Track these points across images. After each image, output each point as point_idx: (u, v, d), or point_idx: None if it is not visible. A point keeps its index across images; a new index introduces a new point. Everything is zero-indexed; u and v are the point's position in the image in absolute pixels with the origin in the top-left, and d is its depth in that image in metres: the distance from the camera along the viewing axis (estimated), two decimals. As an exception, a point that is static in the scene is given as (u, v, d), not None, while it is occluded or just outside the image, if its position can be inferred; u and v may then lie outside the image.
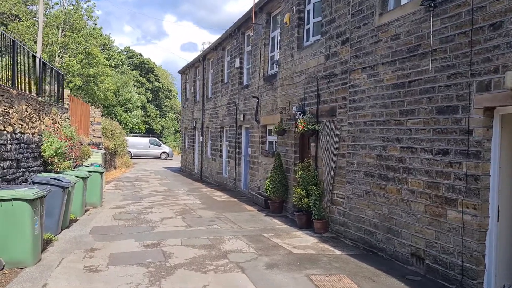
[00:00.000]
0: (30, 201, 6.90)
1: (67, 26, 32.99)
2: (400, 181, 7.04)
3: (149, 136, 43.40)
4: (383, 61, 7.57)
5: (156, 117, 60.71)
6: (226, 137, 18.31)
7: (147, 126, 56.32)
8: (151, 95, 60.93)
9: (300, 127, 9.69)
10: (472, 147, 5.62)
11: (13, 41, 9.79)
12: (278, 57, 12.53)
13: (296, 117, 10.63)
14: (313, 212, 9.34)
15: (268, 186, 11.40)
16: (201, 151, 22.01)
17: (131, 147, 35.59)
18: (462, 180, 5.76)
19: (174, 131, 64.05)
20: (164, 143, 44.17)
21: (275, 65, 12.90)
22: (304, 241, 8.60)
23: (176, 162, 33.77)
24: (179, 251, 7.78)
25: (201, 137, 21.96)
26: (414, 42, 6.79)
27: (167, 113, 64.50)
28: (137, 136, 43.41)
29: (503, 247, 5.54)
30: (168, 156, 39.41)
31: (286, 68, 11.81)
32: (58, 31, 32.53)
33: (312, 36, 10.65)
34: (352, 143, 8.49)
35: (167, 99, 66.14)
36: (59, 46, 31.98)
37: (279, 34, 12.68)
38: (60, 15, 32.49)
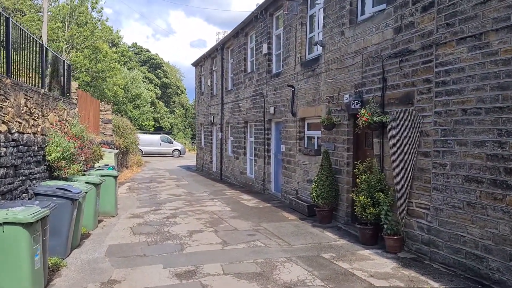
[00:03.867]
0: (27, 226, 5.11)
1: (73, 20, 31.20)
2: (534, 190, 5.07)
3: (160, 133, 41.62)
4: (498, 26, 5.58)
5: (165, 113, 59.07)
6: (251, 133, 16.38)
7: (156, 124, 54.64)
8: (160, 91, 59.28)
9: (364, 119, 7.73)
10: None
11: (7, 18, 7.91)
12: (321, 38, 10.55)
13: (352, 107, 8.67)
14: (385, 226, 7.39)
15: (315, 190, 9.46)
16: (220, 148, 20.12)
17: (142, 145, 33.91)
18: None
19: (183, 128, 62.45)
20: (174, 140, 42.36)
21: (317, 47, 10.93)
22: (380, 266, 6.66)
23: (189, 160, 32.00)
24: (224, 285, 5.89)
25: (220, 134, 20.05)
26: (557, -6, 4.80)
27: (175, 110, 62.88)
28: (147, 133, 41.68)
29: None
30: (181, 154, 37.63)
31: (333, 50, 9.82)
32: (64, 25, 30.77)
33: (373, 7, 8.66)
34: (443, 138, 6.52)
35: (176, 95, 64.54)
36: (66, 41, 30.20)
37: (321, 10, 10.69)
38: (65, 8, 30.68)
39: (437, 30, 6.64)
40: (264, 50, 14.43)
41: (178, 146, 38.59)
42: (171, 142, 38.22)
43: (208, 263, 6.82)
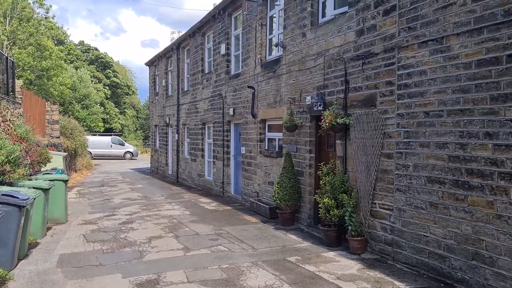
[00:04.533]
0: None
1: (15, 15, 29.39)
2: (495, 191, 5.22)
3: (110, 135, 40.19)
4: (459, 31, 5.72)
5: (115, 114, 57.23)
6: (209, 135, 16.09)
7: (106, 125, 52.76)
8: (109, 91, 57.37)
9: (327, 120, 7.72)
10: None
11: None
12: (281, 39, 10.50)
13: (315, 108, 8.66)
14: (349, 227, 7.41)
15: (278, 193, 9.37)
16: (176, 150, 19.64)
17: (91, 147, 32.61)
18: None
19: (135, 129, 60.81)
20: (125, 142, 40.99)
21: (277, 48, 10.86)
22: (345, 268, 6.65)
23: (142, 163, 31.11)
24: (189, 294, 5.64)
25: (176, 135, 19.58)
26: (517, 1, 4.97)
27: (126, 111, 61.11)
28: (97, 134, 40.08)
29: None
30: (133, 156, 36.50)
31: (295, 51, 9.80)
32: (6, 19, 28.91)
33: (334, 9, 8.69)
34: (405, 140, 6.61)
35: (127, 96, 62.75)
36: (7, 37, 28.37)
37: (282, 11, 10.64)
38: (6, 2, 28.82)
39: (399, 33, 6.74)
40: (223, 51, 14.21)
41: (130, 148, 37.42)
42: (122, 144, 36.98)
43: (171, 271, 6.52)
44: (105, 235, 8.85)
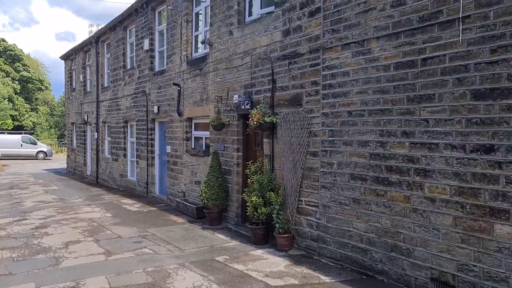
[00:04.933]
0: None
1: None
2: (411, 186, 5.56)
3: (21, 133, 37.07)
4: (379, 34, 6.01)
5: (26, 111, 53.05)
6: (132, 133, 15.46)
7: (16, 123, 48.70)
8: (19, 86, 52.99)
9: (255, 119, 7.74)
10: (537, 142, 4.32)
11: None
12: (208, 36, 10.36)
13: (242, 107, 8.65)
14: (277, 225, 7.49)
15: (205, 192, 9.23)
16: (96, 149, 18.62)
17: (-2, 147, 29.92)
18: (521, 185, 4.44)
19: (49, 127, 56.86)
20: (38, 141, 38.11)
21: (204, 45, 10.69)
22: (273, 265, 6.71)
23: (57, 163, 29.12)
24: (112, 301, 5.33)
25: (96, 134, 18.57)
26: (430, 8, 5.33)
27: (38, 107, 56.92)
28: (5, 133, 36.82)
29: None
30: (47, 156, 34.02)
31: (222, 49, 9.72)
32: None
33: (261, 9, 8.74)
34: (330, 138, 6.83)
35: (39, 91, 58.39)
36: None
37: (208, 8, 10.50)
38: None
39: (324, 35, 6.94)
40: (146, 46, 13.72)
41: (44, 147, 34.84)
42: (34, 143, 34.32)
43: (91, 277, 6.13)
44: (15, 242, 8.11)
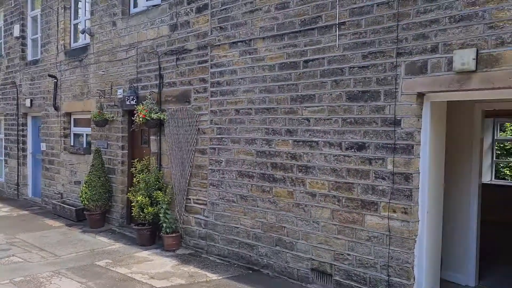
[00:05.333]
0: None
1: None
2: (294, 182, 5.82)
3: None
4: (264, 35, 6.16)
5: None
6: (-1, 129, 13.79)
7: None
8: None
9: (141, 115, 7.42)
10: (400, 140, 4.79)
11: None
12: (88, 25, 9.66)
13: (127, 102, 8.24)
14: (164, 224, 7.28)
15: (86, 192, 8.60)
16: (-46, 147, 16.23)
17: None
18: (387, 180, 4.90)
19: None
20: None
21: (84, 35, 9.94)
22: (160, 266, 6.52)
23: None
24: (-30, 322, 4.67)
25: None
26: (311, 13, 5.61)
27: None
28: None
29: (429, 254, 4.93)
30: None
31: (105, 40, 9.14)
32: None
33: (147, 1, 8.38)
34: (218, 136, 6.84)
35: None
36: None
37: (89, -5, 9.79)
38: None
39: (212, 32, 6.91)
40: (16, 33, 12.32)
41: None
42: None
43: None
44: None
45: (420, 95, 4.73)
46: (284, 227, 5.95)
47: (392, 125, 4.86)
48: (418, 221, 4.80)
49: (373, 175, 5.03)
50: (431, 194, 4.87)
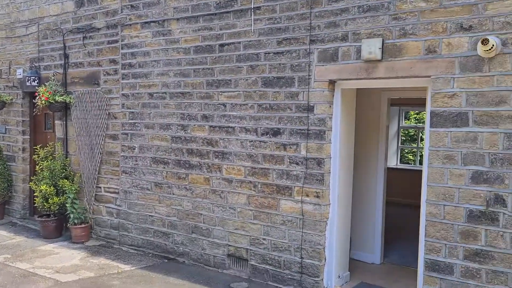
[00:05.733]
0: None
1: None
2: (211, 168, 5.73)
3: None
4: (179, 16, 5.92)
5: None
6: None
7: None
8: None
9: (43, 98, 6.81)
10: (313, 125, 4.90)
11: None
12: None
13: (28, 83, 7.53)
14: (71, 215, 6.82)
15: (-20, 183, 7.78)
16: None
17: None
18: (300, 165, 5.00)
19: None
20: None
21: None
22: (66, 259, 6.10)
23: None
24: None
25: None
26: (227, -4, 5.49)
27: None
28: None
29: (339, 236, 5.14)
30: None
31: (2, 14, 8.22)
32: None
33: (50, -28, 7.65)
34: (131, 121, 6.50)
35: None
36: None
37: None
38: None
39: (122, 10, 6.49)
40: None
41: None
42: None
43: None
44: None
45: (332, 82, 4.85)
46: (201, 214, 5.86)
47: (305, 111, 4.94)
48: (329, 204, 4.97)
49: (288, 160, 5.10)
50: (341, 178, 5.06)
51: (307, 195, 4.96)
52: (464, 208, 4.00)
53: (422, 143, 11.98)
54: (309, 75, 4.90)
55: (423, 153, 12.07)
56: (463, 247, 4.02)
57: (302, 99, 4.96)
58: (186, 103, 5.93)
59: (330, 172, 4.94)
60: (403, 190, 9.56)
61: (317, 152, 4.88)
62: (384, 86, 4.71)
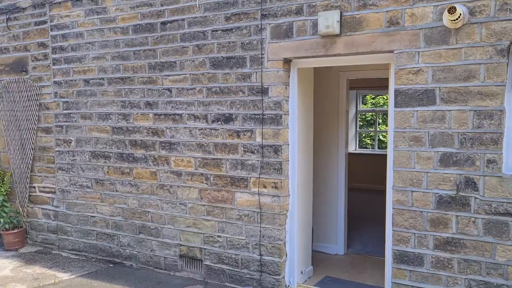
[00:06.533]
0: None
1: None
2: (158, 161, 5.16)
3: None
4: (115, -9, 5.26)
5: None
6: None
7: None
8: None
9: (-38, 88, 5.96)
10: (269, 110, 4.43)
11: None
12: None
13: None
14: (2, 220, 6.03)
15: None
16: None
17: None
18: (256, 153, 4.54)
19: None
20: None
21: None
22: (-4, 272, 5.38)
23: None
24: None
25: None
26: (168, -33, 4.88)
27: None
28: None
29: (301, 228, 4.74)
30: None
31: None
32: None
33: None
34: (65, 111, 5.79)
35: None
36: None
37: None
38: None
39: (51, -14, 5.74)
40: None
41: None
42: None
43: None
44: None
45: (287, 61, 4.40)
46: (148, 212, 5.29)
47: (259, 94, 4.47)
48: (289, 195, 4.55)
49: (242, 149, 4.62)
50: (301, 166, 4.64)
51: (265, 186, 4.51)
52: (433, 194, 3.69)
53: (380, 127, 11.88)
54: (262, 54, 4.42)
55: (380, 136, 12.11)
56: (433, 235, 3.71)
57: (255, 80, 4.48)
58: (126, 90, 5.30)
59: (288, 160, 4.51)
60: (363, 175, 9.37)
61: (274, 138, 4.43)
62: (344, 64, 4.30)
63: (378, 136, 11.69)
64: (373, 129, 12.26)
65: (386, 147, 13.64)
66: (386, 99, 13.40)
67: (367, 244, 6.11)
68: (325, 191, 5.72)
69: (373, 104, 13.20)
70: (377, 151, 10.80)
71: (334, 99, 5.70)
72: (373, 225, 6.85)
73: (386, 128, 13.59)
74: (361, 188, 9.11)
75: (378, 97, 13.29)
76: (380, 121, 12.11)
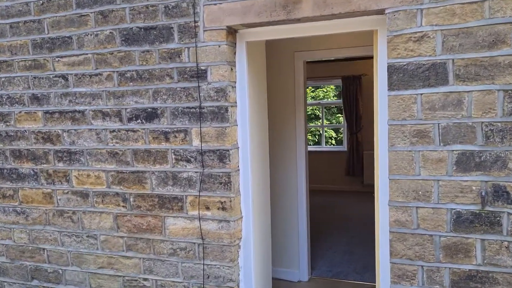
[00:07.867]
0: None
1: None
2: (53, 177, 3.67)
3: None
4: None
5: None
6: None
7: None
8: None
9: None
10: (209, 100, 3.14)
11: None
12: None
13: None
14: None
15: None
16: None
17: None
18: (194, 162, 3.23)
19: None
20: None
21: None
22: None
23: None
24: None
25: None
26: None
27: None
28: None
29: (259, 260, 3.51)
30: None
31: None
32: None
33: None
34: None
35: None
36: None
37: None
38: None
39: None
40: None
41: None
42: None
43: None
44: None
45: (232, 32, 3.13)
46: (43, 249, 3.79)
47: (194, 79, 3.16)
48: (242, 217, 3.30)
49: (173, 156, 3.29)
50: (256, 176, 3.40)
51: (208, 208, 3.22)
52: (448, 210, 2.62)
53: (318, 122, 11.00)
54: (195, 22, 3.11)
55: (321, 132, 11.23)
56: (450, 268, 2.65)
57: (187, 60, 3.16)
58: (3, 79, 3.74)
59: (238, 170, 3.26)
60: (318, 175, 8.34)
61: (218, 140, 3.15)
62: (315, 33, 3.08)
63: (325, 131, 10.79)
64: (319, 124, 11.35)
65: (333, 144, 12.94)
66: (326, 92, 12.59)
67: (334, 264, 5.04)
68: (283, 204, 4.56)
69: (313, 97, 12.35)
70: (329, 147, 9.88)
71: (290, 88, 4.53)
72: (338, 235, 5.83)
73: (328, 123, 12.85)
74: (315, 189, 8.10)
75: (318, 90, 12.46)
76: (321, 115, 11.21)
